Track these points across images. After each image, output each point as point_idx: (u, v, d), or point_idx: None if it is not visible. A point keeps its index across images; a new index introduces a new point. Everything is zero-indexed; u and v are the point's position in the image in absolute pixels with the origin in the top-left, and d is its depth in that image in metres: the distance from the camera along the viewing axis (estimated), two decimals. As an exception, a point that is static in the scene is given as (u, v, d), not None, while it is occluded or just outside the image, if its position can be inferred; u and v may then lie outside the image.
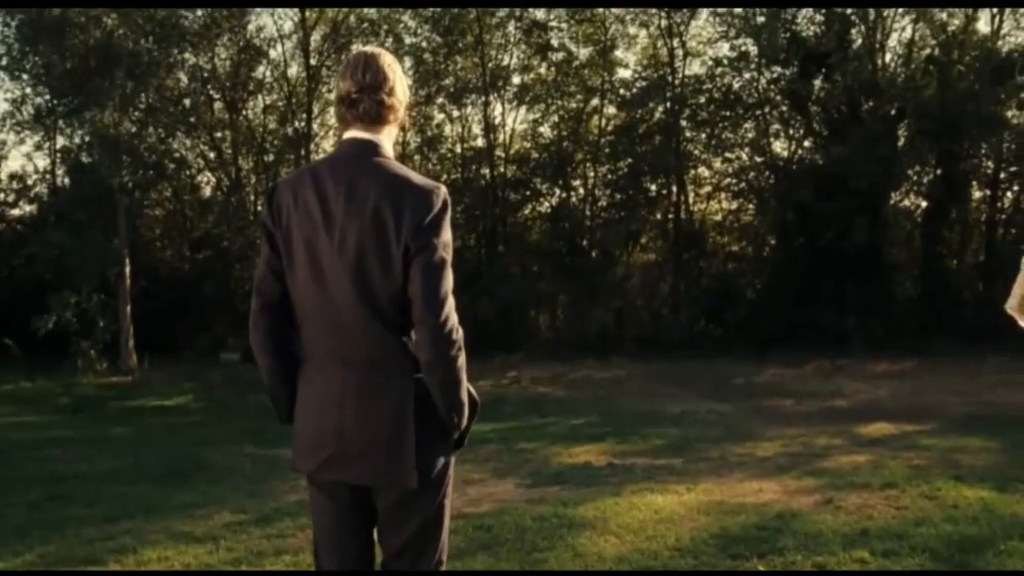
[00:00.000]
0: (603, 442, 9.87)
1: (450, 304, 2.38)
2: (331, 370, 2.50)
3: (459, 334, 2.40)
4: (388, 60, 2.60)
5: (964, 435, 9.86)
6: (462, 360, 2.42)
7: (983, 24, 20.51)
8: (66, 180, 20.88)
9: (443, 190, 2.47)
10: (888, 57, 20.68)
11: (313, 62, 21.76)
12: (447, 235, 2.43)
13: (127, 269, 18.63)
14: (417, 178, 2.49)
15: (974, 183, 20.88)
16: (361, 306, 2.43)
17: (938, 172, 20.12)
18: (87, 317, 17.71)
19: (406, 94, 2.65)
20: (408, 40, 21.87)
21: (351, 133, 2.57)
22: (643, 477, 7.38)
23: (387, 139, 2.60)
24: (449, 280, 2.40)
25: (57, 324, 17.27)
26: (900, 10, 20.18)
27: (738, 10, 21.27)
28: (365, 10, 21.60)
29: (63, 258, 17.69)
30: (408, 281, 2.39)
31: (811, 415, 12.31)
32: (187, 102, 21.39)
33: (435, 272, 2.37)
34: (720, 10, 21.48)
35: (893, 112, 19.55)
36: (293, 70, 22.40)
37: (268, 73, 22.64)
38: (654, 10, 21.87)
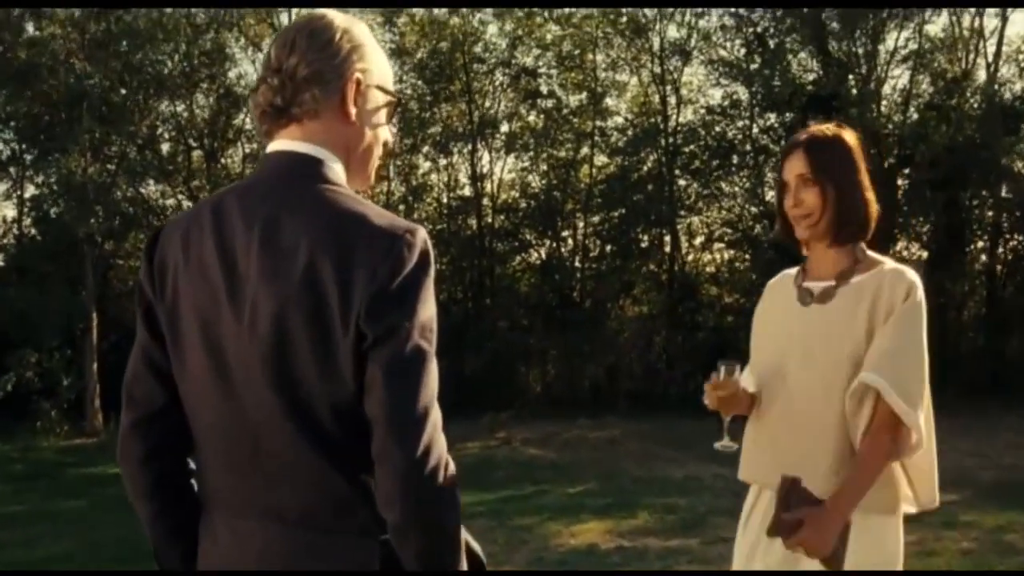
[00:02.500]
0: (607, 517, 8.98)
1: (432, 425, 1.47)
2: (245, 526, 1.59)
3: (448, 473, 1.48)
4: (330, 21, 1.70)
5: (1001, 508, 9.06)
6: (454, 519, 1.50)
7: (980, 71, 20.10)
8: (33, 231, 19.99)
9: (420, 235, 1.55)
10: (884, 104, 20.21)
11: (294, 109, 21.09)
12: (427, 309, 1.51)
13: (94, 323, 17.66)
14: (378, 216, 1.56)
15: (977, 231, 20.32)
16: (288, 424, 1.52)
17: (939, 221, 19.53)
18: (50, 376, 16.70)
19: (378, 72, 1.75)
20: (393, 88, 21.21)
21: (274, 144, 1.68)
22: (658, 564, 6.48)
23: (334, 148, 1.68)
24: (430, 385, 1.49)
25: (17, 384, 16.24)
26: (897, 57, 19.85)
27: (731, 57, 20.90)
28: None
29: (25, 314, 16.72)
30: (364, 389, 1.49)
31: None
32: (164, 149, 20.73)
33: (406, 375, 1.47)
34: (713, 57, 21.10)
35: (893, 159, 19.02)
36: (273, 117, 21.71)
37: (248, 121, 21.99)
38: (646, 57, 21.40)
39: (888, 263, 2.49)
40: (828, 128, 2.56)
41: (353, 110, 1.69)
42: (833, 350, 2.41)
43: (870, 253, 2.55)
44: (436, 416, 1.48)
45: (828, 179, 2.49)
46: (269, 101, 1.66)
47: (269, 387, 1.52)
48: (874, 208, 2.52)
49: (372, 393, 1.46)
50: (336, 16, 1.72)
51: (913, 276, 2.41)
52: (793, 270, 2.69)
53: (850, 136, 2.56)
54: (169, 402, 1.68)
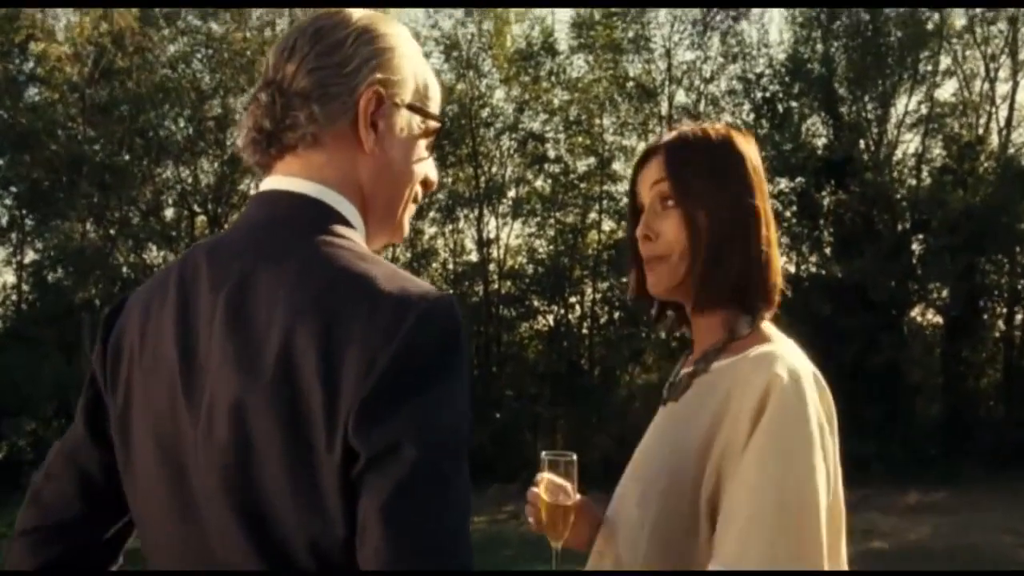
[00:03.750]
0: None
1: None
2: None
3: None
4: (344, 17, 1.26)
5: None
6: None
7: (993, 136, 19.94)
8: (32, 296, 19.74)
9: (443, 305, 1.07)
10: (895, 169, 20.03)
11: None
12: (450, 413, 1.04)
13: (91, 392, 17.26)
14: (387, 279, 1.10)
15: (996, 297, 19.96)
16: (256, 562, 1.07)
17: (957, 287, 19.17)
18: (44, 445, 16.24)
19: (411, 86, 1.29)
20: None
21: (265, 182, 1.25)
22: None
23: (342, 187, 1.23)
24: (455, 531, 1.01)
25: (8, 454, 15.79)
26: (908, 121, 19.74)
27: (739, 121, 20.79)
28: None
29: (20, 381, 16.35)
30: (356, 533, 1.02)
31: (852, 561, 10.86)
32: (168, 214, 20.58)
33: (415, 518, 0.99)
34: (724, 122, 20.95)
35: (907, 224, 18.75)
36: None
37: (253, 187, 21.86)
38: (654, 121, 21.30)
39: (766, 345, 1.47)
40: (710, 126, 1.55)
41: (370, 135, 1.23)
42: (667, 479, 1.46)
43: (765, 325, 1.52)
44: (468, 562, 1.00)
45: (697, 202, 1.49)
46: (257, 123, 1.24)
47: (231, 514, 1.09)
48: (776, 261, 1.52)
49: (365, 543, 1.00)
50: (356, 13, 1.28)
51: (783, 367, 1.39)
52: None
53: (743, 141, 1.55)
54: (84, 516, 1.29)
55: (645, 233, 1.53)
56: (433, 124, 1.33)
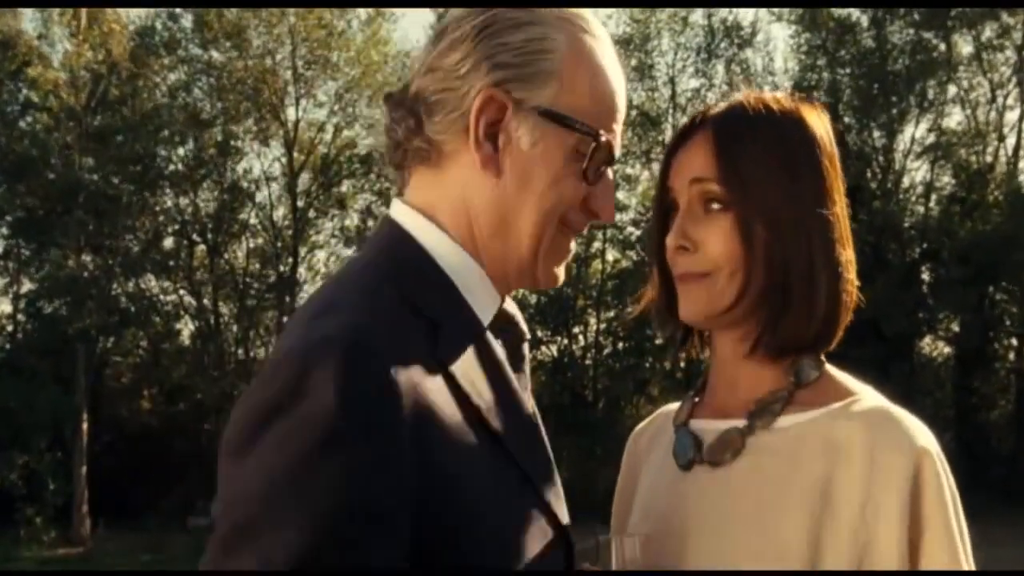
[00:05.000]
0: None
1: None
2: None
3: None
4: (468, 11, 1.01)
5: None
6: None
7: (1001, 164, 19.75)
8: (27, 327, 19.50)
9: (312, 354, 0.82)
10: (902, 197, 19.86)
11: (300, 204, 20.87)
12: (248, 487, 0.80)
13: (84, 425, 16.97)
14: (315, 315, 0.90)
15: (1008, 328, 19.70)
16: None
17: (968, 317, 18.93)
18: (36, 479, 15.95)
19: (554, 90, 0.99)
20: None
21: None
22: None
23: (445, 214, 1.02)
24: None
25: (1, 488, 15.51)
26: (915, 149, 19.60)
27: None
28: (356, 149, 21.03)
29: (13, 413, 16.08)
30: None
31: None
32: (167, 244, 20.43)
33: None
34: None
35: (918, 254, 18.55)
36: (280, 212, 21.54)
37: (253, 216, 21.75)
38: (658, 150, 21.16)
39: (865, 397, 1.12)
40: (772, 98, 1.14)
41: (484, 149, 1.00)
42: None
43: (828, 368, 1.17)
44: None
45: (759, 206, 1.09)
46: (389, 134, 1.06)
47: None
48: (852, 284, 1.14)
49: None
50: (531, 8, 1.02)
51: (924, 438, 1.07)
52: (674, 405, 1.29)
53: (817, 120, 1.14)
54: None
55: (680, 243, 1.12)
56: (584, 136, 1.01)
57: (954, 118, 21.67)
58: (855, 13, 19.62)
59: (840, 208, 1.12)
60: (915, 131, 19.72)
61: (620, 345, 21.45)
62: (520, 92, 1.00)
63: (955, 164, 19.43)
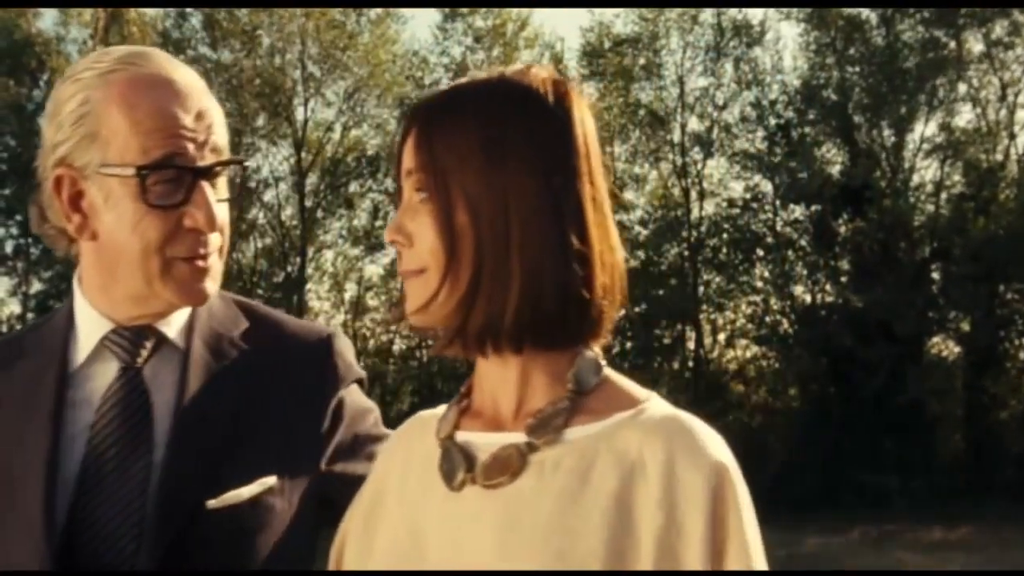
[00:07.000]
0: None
1: None
2: None
3: None
4: (65, 79, 1.14)
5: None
6: None
7: (1012, 162, 19.65)
8: (37, 327, 19.57)
9: None
10: (912, 195, 19.77)
11: (308, 204, 20.89)
12: None
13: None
14: None
15: (1019, 327, 19.60)
16: None
17: (979, 316, 18.83)
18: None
19: (90, 131, 1.09)
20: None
21: None
22: None
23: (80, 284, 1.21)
24: None
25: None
26: (925, 147, 19.53)
27: (752, 149, 20.59)
28: (364, 149, 21.05)
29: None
30: None
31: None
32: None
33: None
34: (736, 149, 20.80)
35: (928, 253, 18.47)
36: (288, 212, 21.55)
37: (261, 215, 21.77)
38: (666, 148, 21.10)
39: (647, 399, 1.08)
40: (479, 79, 1.07)
41: (75, 221, 1.13)
42: None
43: (608, 372, 1.12)
44: None
45: (460, 193, 1.01)
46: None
47: None
48: (620, 266, 1.08)
49: None
50: (80, 67, 1.13)
51: (720, 451, 1.02)
52: (432, 412, 1.16)
53: (545, 96, 1.04)
54: None
55: (393, 237, 1.05)
56: (143, 170, 1.08)
57: (964, 116, 21.56)
58: (865, 11, 19.54)
59: (583, 190, 1.04)
60: (925, 129, 19.65)
61: (628, 344, 21.33)
62: (80, 160, 1.09)
63: (965, 162, 19.34)
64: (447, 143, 1.01)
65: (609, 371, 1.10)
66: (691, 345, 21.05)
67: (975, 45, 19.54)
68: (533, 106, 1.03)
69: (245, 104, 20.25)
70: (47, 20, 20.25)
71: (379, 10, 20.76)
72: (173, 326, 1.16)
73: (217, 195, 1.13)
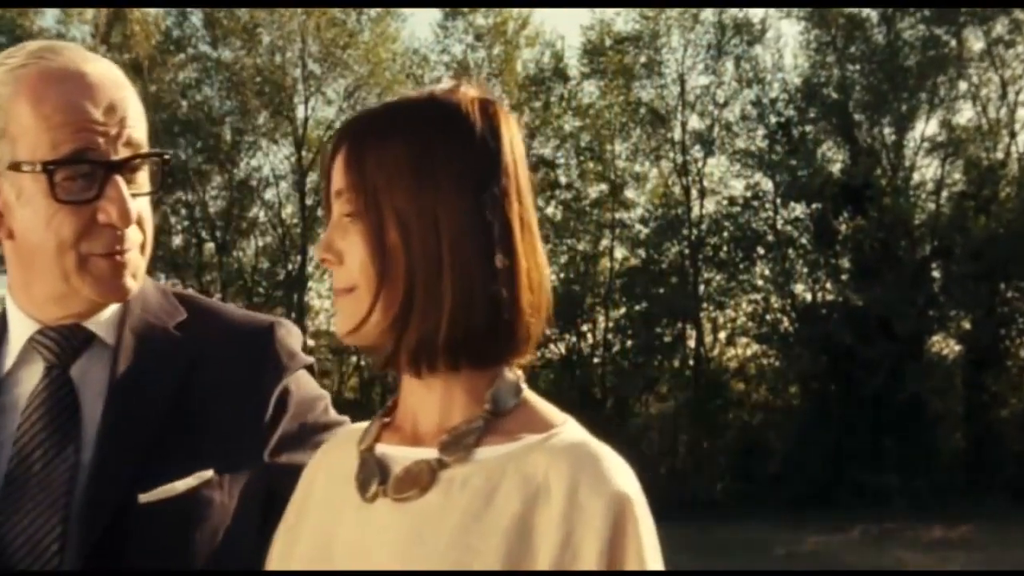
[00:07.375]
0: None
1: None
2: None
3: None
4: None
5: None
6: None
7: (1013, 161, 19.65)
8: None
9: None
10: (913, 194, 19.78)
11: (309, 202, 20.91)
12: None
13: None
14: None
15: (1020, 325, 19.61)
16: None
17: (980, 315, 18.83)
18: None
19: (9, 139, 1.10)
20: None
21: None
22: None
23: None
24: None
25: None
26: (925, 145, 19.54)
27: (753, 147, 20.60)
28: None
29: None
30: None
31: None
32: (176, 241, 20.47)
33: None
34: (737, 147, 20.80)
35: (928, 251, 18.48)
36: (288, 210, 21.57)
37: (262, 214, 21.79)
38: (667, 147, 21.10)
39: (561, 424, 1.08)
40: (408, 97, 1.08)
41: None
42: None
43: (528, 395, 1.10)
44: None
45: (389, 211, 1.02)
46: None
47: None
48: (546, 284, 1.11)
49: None
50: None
51: (626, 481, 1.03)
52: (362, 425, 1.19)
53: (470, 107, 1.07)
54: None
55: (323, 255, 1.06)
56: (50, 166, 1.06)
57: (965, 114, 21.54)
58: (865, 9, 19.54)
59: (511, 208, 1.04)
60: (925, 128, 19.67)
61: (628, 343, 21.38)
62: None
63: (966, 161, 19.35)
64: (377, 162, 1.02)
65: (530, 394, 1.10)
66: (692, 343, 21.07)
67: (976, 43, 19.56)
68: (462, 125, 1.05)
69: (246, 102, 20.26)
70: (48, 19, 20.23)
71: (380, 8, 20.77)
72: (103, 323, 1.14)
73: (136, 189, 1.11)
